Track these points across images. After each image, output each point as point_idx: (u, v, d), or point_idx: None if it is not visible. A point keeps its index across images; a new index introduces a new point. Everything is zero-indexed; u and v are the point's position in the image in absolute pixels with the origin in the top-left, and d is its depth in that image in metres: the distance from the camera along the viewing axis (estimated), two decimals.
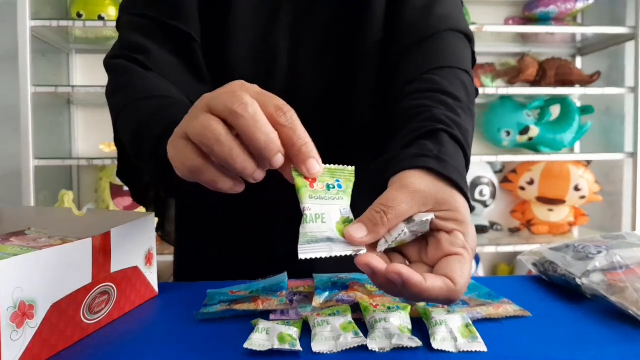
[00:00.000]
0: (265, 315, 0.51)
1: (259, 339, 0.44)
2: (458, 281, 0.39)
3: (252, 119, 0.38)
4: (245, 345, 0.43)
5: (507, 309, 0.52)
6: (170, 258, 1.65)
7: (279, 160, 0.40)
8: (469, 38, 0.67)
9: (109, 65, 0.64)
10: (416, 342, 0.44)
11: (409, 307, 0.50)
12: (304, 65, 0.69)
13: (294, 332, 0.45)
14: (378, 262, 0.39)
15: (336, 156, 0.54)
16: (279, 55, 0.68)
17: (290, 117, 0.40)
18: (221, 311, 0.52)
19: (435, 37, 0.64)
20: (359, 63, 0.69)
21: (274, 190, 0.54)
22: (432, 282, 0.39)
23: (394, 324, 0.47)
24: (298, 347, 0.43)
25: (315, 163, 0.41)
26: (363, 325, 0.48)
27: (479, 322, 0.49)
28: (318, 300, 0.53)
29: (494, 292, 0.57)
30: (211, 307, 0.53)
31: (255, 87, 0.42)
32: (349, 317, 0.48)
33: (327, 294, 0.54)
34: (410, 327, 0.47)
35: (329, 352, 0.43)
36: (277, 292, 0.55)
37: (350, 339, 0.44)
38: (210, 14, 0.67)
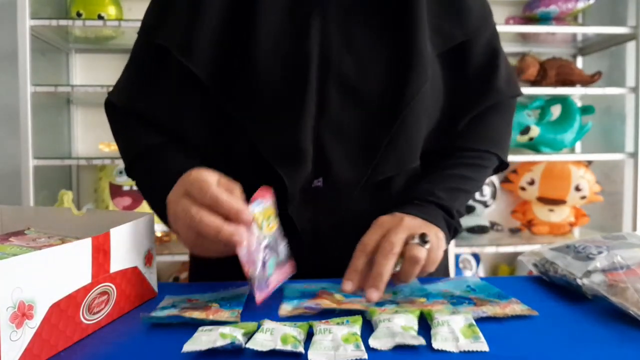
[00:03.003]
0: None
1: (262, 339, 0.44)
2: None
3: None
4: (248, 345, 0.43)
5: (515, 308, 0.52)
6: (169, 258, 1.66)
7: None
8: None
9: (108, 112, 0.74)
10: (419, 340, 0.44)
11: (418, 311, 0.50)
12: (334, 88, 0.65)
13: (298, 333, 0.45)
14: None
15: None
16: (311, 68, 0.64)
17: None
18: (169, 317, 0.50)
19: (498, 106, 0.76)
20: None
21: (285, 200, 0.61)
22: None
23: (398, 323, 0.46)
24: (300, 349, 0.43)
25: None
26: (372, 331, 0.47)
27: (483, 322, 0.49)
28: (286, 308, 0.53)
29: (503, 293, 0.56)
30: (161, 311, 0.52)
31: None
32: (355, 329, 0.46)
33: (295, 302, 0.54)
34: (416, 327, 0.47)
35: None
36: (235, 307, 0.53)
37: (350, 351, 0.43)
38: (234, 27, 0.66)
